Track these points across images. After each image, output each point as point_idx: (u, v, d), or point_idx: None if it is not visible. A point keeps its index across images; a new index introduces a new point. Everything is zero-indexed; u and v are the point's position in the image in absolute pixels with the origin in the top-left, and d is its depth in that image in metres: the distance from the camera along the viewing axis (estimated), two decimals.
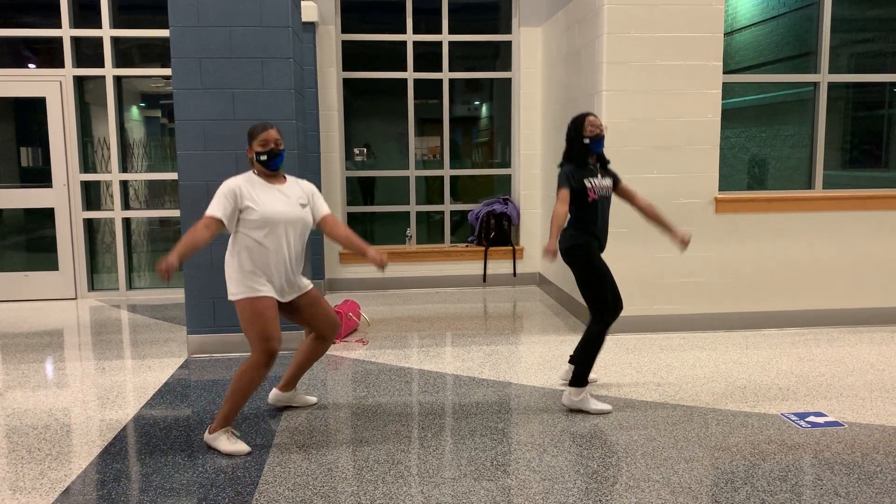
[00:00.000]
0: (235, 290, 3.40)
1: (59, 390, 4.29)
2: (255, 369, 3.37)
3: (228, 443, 3.37)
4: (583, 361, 3.85)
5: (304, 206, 3.50)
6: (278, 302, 3.50)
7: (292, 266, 3.49)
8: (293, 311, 3.63)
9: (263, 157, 3.42)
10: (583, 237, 3.88)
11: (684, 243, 4.01)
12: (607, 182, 3.94)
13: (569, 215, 3.90)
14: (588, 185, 3.84)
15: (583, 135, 3.86)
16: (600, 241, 3.93)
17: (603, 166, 3.99)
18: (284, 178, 3.56)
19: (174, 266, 3.11)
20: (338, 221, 3.63)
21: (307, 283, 3.65)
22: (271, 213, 3.37)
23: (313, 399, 4.02)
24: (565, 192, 3.83)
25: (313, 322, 3.67)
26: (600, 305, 3.86)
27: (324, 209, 3.62)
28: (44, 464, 3.25)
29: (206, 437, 3.44)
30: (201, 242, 3.28)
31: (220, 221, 3.34)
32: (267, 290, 3.40)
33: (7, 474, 3.14)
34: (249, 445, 3.40)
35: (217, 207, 3.34)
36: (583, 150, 3.88)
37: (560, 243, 3.93)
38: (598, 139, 3.86)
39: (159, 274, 3.10)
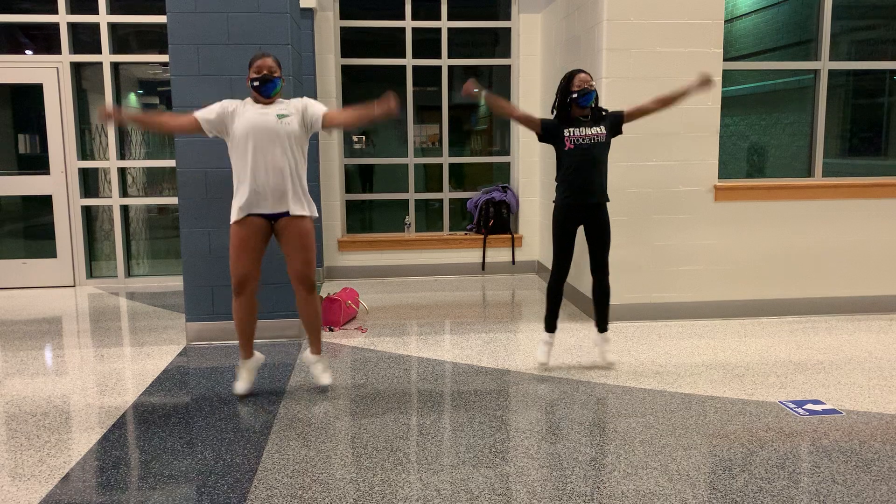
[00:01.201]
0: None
1: (57, 377, 4.30)
2: (233, 300, 3.83)
3: (238, 375, 3.96)
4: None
5: (281, 117, 3.66)
6: (269, 225, 3.76)
7: (270, 177, 3.65)
8: (277, 235, 3.82)
9: (256, 83, 3.65)
10: (559, 195, 4.13)
11: (705, 83, 4.06)
12: (596, 130, 4.03)
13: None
14: (566, 133, 4.00)
15: (571, 90, 4.00)
16: (582, 196, 4.05)
17: (595, 117, 4.08)
18: (278, 102, 3.76)
19: (117, 116, 3.46)
20: (336, 112, 3.79)
21: (300, 208, 3.76)
22: (239, 127, 3.64)
23: (326, 381, 4.01)
24: (536, 119, 4.10)
25: (286, 252, 3.83)
26: (553, 264, 4.22)
27: (320, 110, 3.79)
28: (43, 451, 3.25)
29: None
30: (165, 123, 3.68)
31: (195, 120, 3.67)
32: (243, 213, 3.69)
33: (6, 461, 3.15)
34: (248, 433, 3.41)
35: (202, 109, 3.71)
36: (569, 104, 4.02)
37: None
38: (587, 93, 3.99)
39: (99, 112, 3.34)
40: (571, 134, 4.00)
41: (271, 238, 3.89)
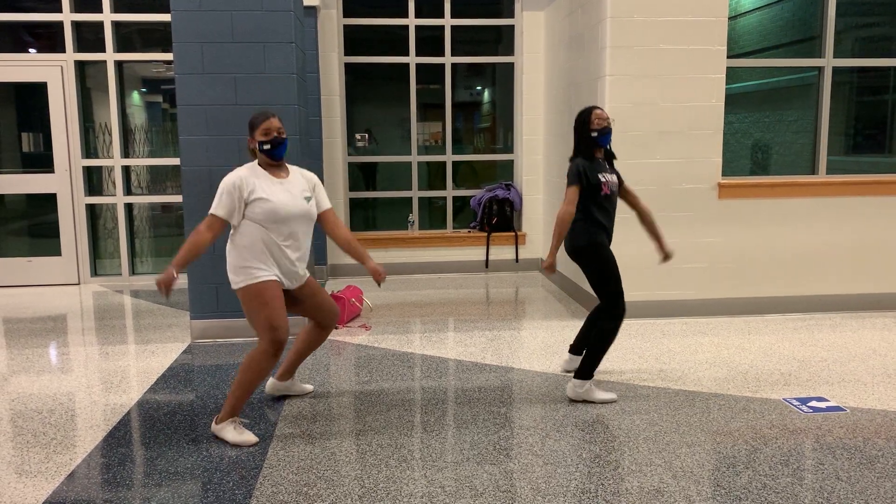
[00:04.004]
0: (237, 279, 3.32)
1: (63, 375, 4.31)
2: (264, 359, 3.29)
3: (235, 433, 3.31)
4: (594, 354, 3.78)
5: (308, 199, 3.42)
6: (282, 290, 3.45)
7: (297, 261, 3.42)
8: (294, 302, 3.57)
9: (267, 147, 3.32)
10: (595, 233, 3.80)
11: (667, 258, 4.01)
12: (614, 178, 3.89)
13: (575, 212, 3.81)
14: (602, 179, 3.76)
15: (590, 128, 3.79)
16: (609, 236, 3.86)
17: (610, 162, 3.92)
18: (287, 169, 3.47)
19: (174, 278, 3.09)
20: (338, 221, 3.57)
21: (305, 273, 3.58)
22: (279, 208, 3.29)
23: (310, 388, 3.98)
24: (575, 191, 3.73)
25: (315, 312, 3.63)
26: (617, 299, 3.77)
27: (325, 203, 3.55)
28: (49, 448, 3.27)
29: (213, 427, 3.38)
30: (204, 246, 3.26)
31: (222, 220, 3.29)
32: (269, 276, 3.32)
33: (13, 458, 3.16)
34: (253, 430, 3.41)
35: (219, 206, 3.28)
36: (590, 143, 3.80)
37: (569, 240, 3.85)
38: (606, 132, 3.78)
39: (159, 288, 3.09)
40: (607, 180, 3.80)
41: None
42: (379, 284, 3.50)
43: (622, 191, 4.00)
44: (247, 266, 3.31)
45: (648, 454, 3.13)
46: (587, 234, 3.79)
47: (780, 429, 3.40)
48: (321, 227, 3.55)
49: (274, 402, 3.80)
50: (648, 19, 5.13)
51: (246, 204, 3.29)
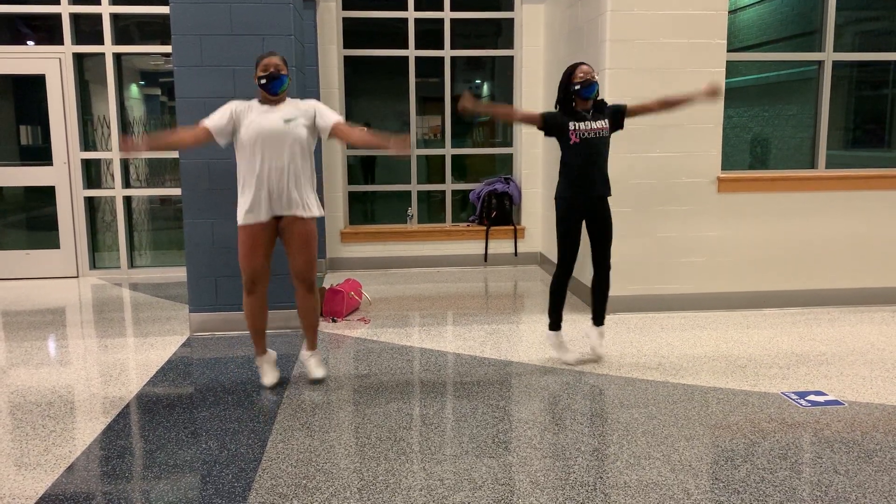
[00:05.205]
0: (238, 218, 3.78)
1: (62, 368, 4.31)
2: (244, 297, 3.86)
3: (261, 372, 3.97)
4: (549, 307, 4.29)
5: (288, 121, 3.66)
6: (275, 223, 3.76)
7: (274, 181, 3.66)
8: (281, 232, 3.82)
9: (263, 81, 3.64)
10: (564, 188, 4.08)
11: (713, 93, 4.04)
12: (600, 124, 4.01)
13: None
14: (571, 127, 3.96)
15: (573, 82, 3.98)
16: (585, 190, 4.03)
17: (598, 109, 4.06)
18: (285, 102, 3.75)
19: (139, 147, 3.42)
20: (349, 127, 3.78)
21: (303, 209, 3.76)
22: (246, 131, 3.63)
23: (319, 374, 4.02)
24: (536, 115, 4.11)
25: (288, 251, 3.85)
26: (561, 258, 4.15)
27: (331, 119, 3.76)
28: (48, 440, 3.27)
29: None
30: (182, 141, 3.66)
31: (207, 130, 3.65)
32: (250, 218, 3.69)
33: (12, 450, 3.16)
34: (252, 423, 3.42)
35: (210, 117, 3.69)
36: (572, 96, 4.00)
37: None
38: (589, 85, 3.96)
39: (121, 146, 3.38)
40: (577, 128, 3.97)
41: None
42: (408, 155, 3.65)
43: (630, 111, 4.11)
44: (240, 206, 3.74)
45: (647, 447, 3.13)
46: (558, 187, 4.14)
47: (779, 422, 3.40)
48: (338, 138, 3.80)
49: (273, 395, 3.81)
50: (648, 13, 5.12)
51: (236, 129, 3.68)
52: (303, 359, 4.12)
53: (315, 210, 3.82)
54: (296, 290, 3.93)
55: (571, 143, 3.97)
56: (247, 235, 3.73)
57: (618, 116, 4.09)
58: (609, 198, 4.26)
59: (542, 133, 4.17)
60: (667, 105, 4.10)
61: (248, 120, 3.66)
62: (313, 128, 3.78)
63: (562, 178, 4.10)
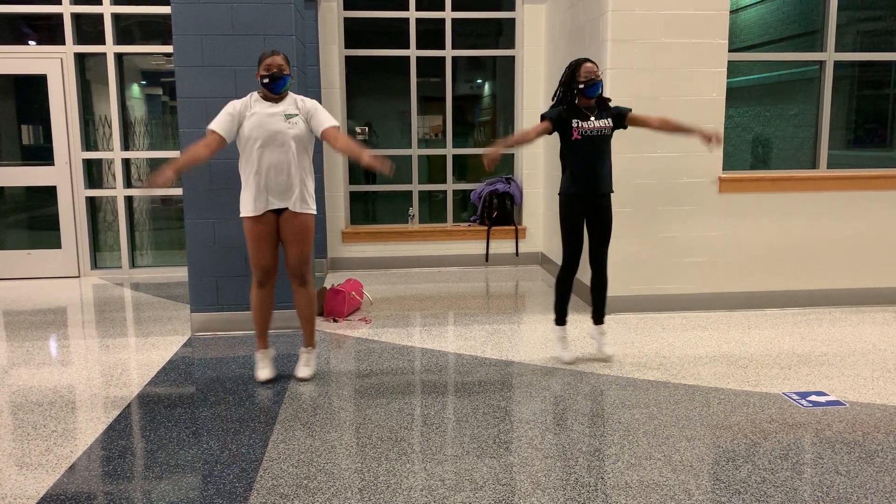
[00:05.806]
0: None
1: (63, 368, 4.32)
2: (252, 290, 3.95)
3: (257, 366, 4.04)
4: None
5: (288, 117, 3.72)
6: (276, 217, 3.82)
7: (273, 175, 3.72)
8: (279, 227, 3.87)
9: (266, 80, 3.72)
10: (567, 185, 4.10)
11: (716, 140, 4.04)
12: (603, 123, 4.00)
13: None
14: (574, 124, 3.97)
15: (577, 80, 3.97)
16: (588, 187, 4.03)
17: (602, 108, 4.06)
18: (286, 97, 3.81)
19: (171, 179, 3.41)
20: (338, 134, 3.80)
21: (301, 204, 3.82)
22: (248, 127, 3.70)
23: (305, 373, 4.05)
24: (544, 123, 4.04)
25: (283, 245, 3.91)
26: (564, 255, 4.18)
27: (325, 123, 3.79)
28: (49, 440, 3.27)
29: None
30: (200, 157, 3.64)
31: (219, 136, 3.69)
32: (252, 211, 3.77)
33: (13, 450, 3.17)
34: (253, 423, 3.42)
35: (216, 122, 3.73)
36: (575, 95, 4.00)
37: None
38: (593, 84, 3.96)
39: (149, 183, 3.36)
40: (580, 125, 3.98)
41: None
42: (387, 173, 3.60)
43: (631, 120, 4.10)
44: (243, 199, 3.80)
45: (648, 448, 3.13)
46: (561, 184, 4.14)
47: (780, 423, 3.40)
48: (326, 142, 3.80)
49: (274, 395, 3.81)
50: (649, 13, 5.12)
51: (239, 125, 3.73)
52: (300, 354, 4.18)
53: (312, 206, 3.88)
54: (293, 286, 4.00)
55: (573, 138, 3.98)
56: (255, 227, 3.81)
57: (621, 117, 4.09)
58: (612, 195, 4.26)
59: (549, 134, 4.17)
60: (667, 127, 4.10)
61: (250, 115, 3.73)
62: (309, 127, 3.86)
63: (565, 174, 4.11)
